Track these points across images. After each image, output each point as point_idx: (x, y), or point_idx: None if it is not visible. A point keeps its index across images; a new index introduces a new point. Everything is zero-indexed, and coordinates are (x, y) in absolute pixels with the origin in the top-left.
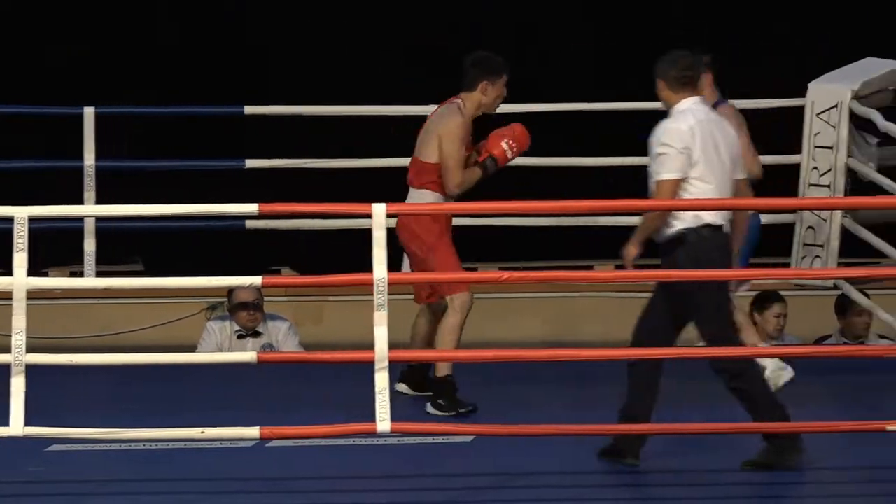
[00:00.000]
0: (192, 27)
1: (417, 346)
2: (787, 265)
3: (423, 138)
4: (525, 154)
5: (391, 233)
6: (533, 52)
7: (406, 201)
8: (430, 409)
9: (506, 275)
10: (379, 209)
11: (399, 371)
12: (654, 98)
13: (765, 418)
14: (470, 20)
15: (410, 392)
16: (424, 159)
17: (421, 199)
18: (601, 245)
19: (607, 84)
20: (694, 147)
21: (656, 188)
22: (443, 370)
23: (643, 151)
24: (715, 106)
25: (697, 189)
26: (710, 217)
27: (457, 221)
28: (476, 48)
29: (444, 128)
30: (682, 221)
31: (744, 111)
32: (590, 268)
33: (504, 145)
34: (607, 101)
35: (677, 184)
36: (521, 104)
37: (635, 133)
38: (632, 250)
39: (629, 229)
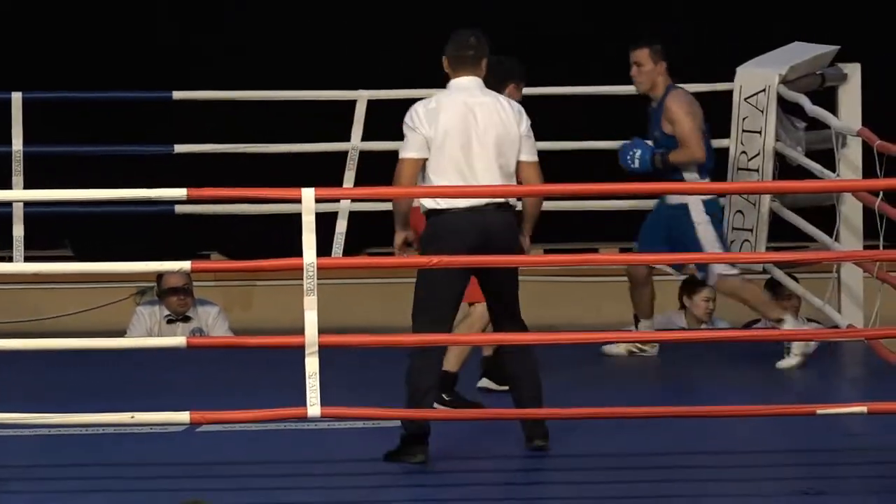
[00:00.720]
0: (119, 11)
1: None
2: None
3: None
4: None
5: (320, 217)
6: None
7: None
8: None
9: (435, 259)
10: (308, 194)
11: (480, 367)
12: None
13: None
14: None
15: (494, 387)
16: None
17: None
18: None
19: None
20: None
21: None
22: (453, 364)
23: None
24: (666, 92)
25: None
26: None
27: (387, 207)
28: (410, 27)
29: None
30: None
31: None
32: None
33: None
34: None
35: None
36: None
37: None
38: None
39: (558, 213)
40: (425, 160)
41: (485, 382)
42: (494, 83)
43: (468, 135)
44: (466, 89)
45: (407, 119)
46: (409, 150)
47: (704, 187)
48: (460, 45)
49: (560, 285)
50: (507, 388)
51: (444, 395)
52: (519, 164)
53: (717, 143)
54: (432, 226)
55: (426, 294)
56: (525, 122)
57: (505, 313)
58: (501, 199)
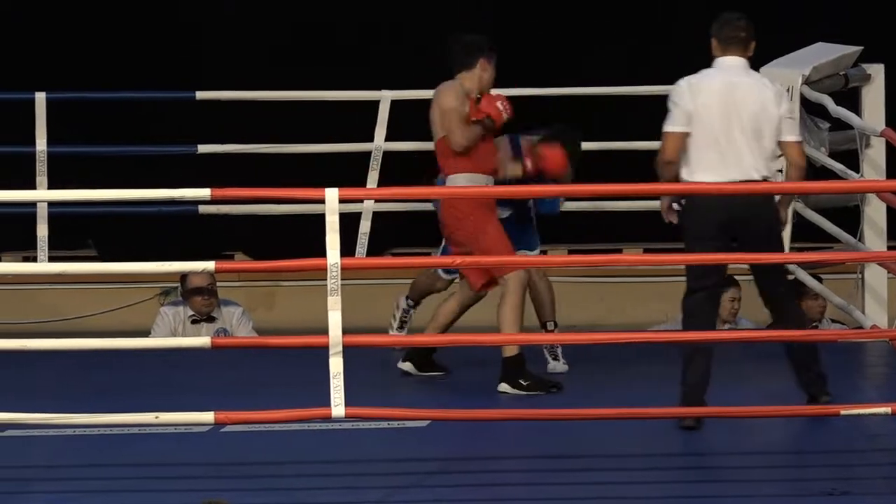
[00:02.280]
0: (144, 11)
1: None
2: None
3: (433, 121)
4: None
5: (344, 218)
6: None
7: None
8: (504, 388)
9: (458, 259)
10: (332, 194)
11: (405, 350)
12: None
13: None
14: (435, 4)
15: (415, 371)
16: (441, 135)
17: (454, 184)
18: (553, 230)
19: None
20: (692, 105)
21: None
22: (511, 349)
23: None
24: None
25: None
26: None
27: (410, 207)
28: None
29: (441, 98)
30: None
31: None
32: (543, 252)
33: (499, 106)
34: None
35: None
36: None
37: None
38: (665, 202)
39: (582, 214)
40: (688, 134)
41: (407, 367)
42: (465, 59)
43: (728, 113)
44: (732, 68)
45: (672, 94)
46: (673, 123)
47: (730, 188)
48: (733, 27)
49: (584, 285)
50: (425, 373)
51: (520, 381)
52: (780, 144)
53: None
54: (690, 199)
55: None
56: (786, 103)
57: (775, 295)
58: (759, 175)
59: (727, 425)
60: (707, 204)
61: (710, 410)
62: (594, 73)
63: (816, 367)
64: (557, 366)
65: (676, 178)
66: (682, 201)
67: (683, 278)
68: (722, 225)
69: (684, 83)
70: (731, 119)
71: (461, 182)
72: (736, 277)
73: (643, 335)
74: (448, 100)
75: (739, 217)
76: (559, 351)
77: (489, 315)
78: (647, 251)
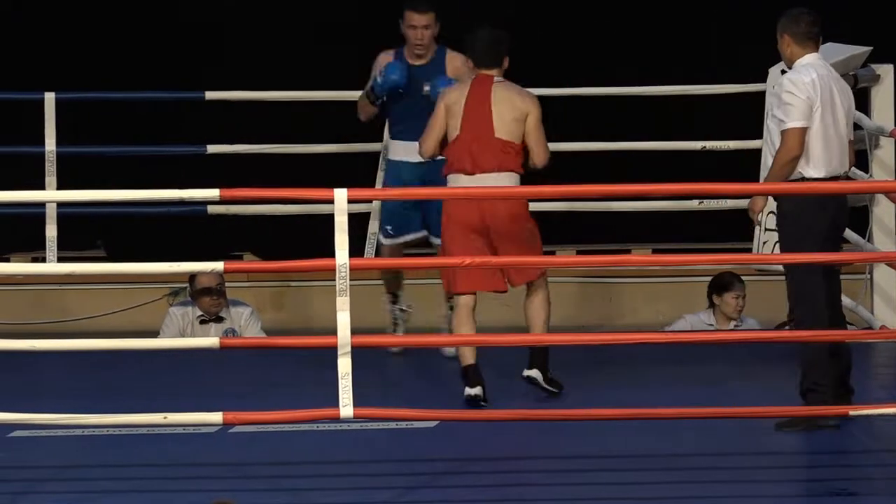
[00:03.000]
0: (152, 10)
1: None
2: (748, 250)
3: (501, 117)
4: None
5: (352, 218)
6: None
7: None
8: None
9: (467, 259)
10: (340, 194)
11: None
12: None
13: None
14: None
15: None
16: (513, 140)
17: (509, 183)
18: (562, 230)
19: (564, 69)
20: (815, 99)
21: (784, 137)
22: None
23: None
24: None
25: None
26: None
27: None
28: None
29: (530, 103)
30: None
31: (706, 96)
32: (551, 253)
33: None
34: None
35: (804, 131)
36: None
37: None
38: (759, 202)
39: (590, 214)
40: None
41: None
42: (502, 55)
43: (833, 108)
44: (822, 65)
45: (790, 88)
46: (797, 118)
47: (737, 189)
48: (810, 23)
49: (593, 286)
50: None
51: (550, 375)
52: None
53: (750, 144)
54: (799, 198)
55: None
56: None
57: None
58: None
59: (732, 425)
60: (821, 202)
61: (714, 411)
62: (602, 72)
63: (848, 377)
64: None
65: (790, 174)
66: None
67: (692, 278)
68: (833, 219)
69: (797, 77)
70: (836, 114)
71: (514, 182)
72: (741, 276)
73: (651, 335)
74: (539, 111)
75: (844, 215)
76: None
77: (499, 316)
78: (655, 251)
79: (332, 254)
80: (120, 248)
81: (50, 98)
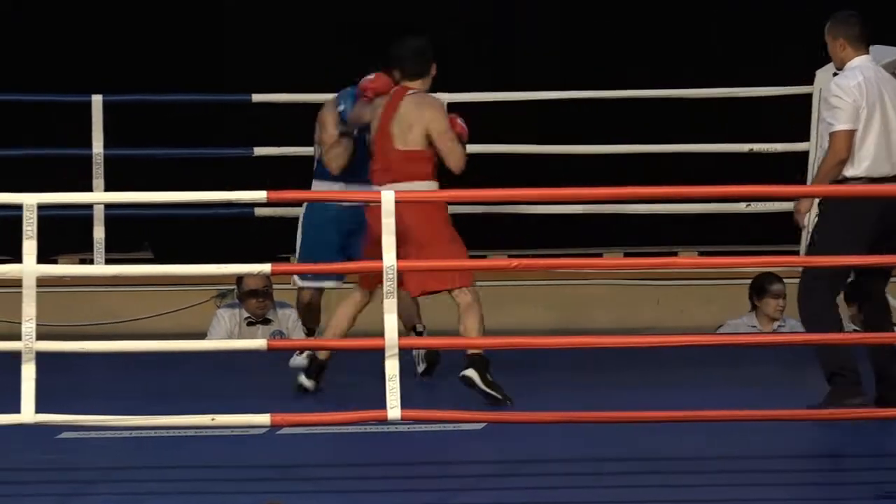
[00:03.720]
0: (199, 14)
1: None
2: (796, 253)
3: (400, 129)
4: (527, 141)
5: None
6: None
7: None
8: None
9: (515, 262)
10: (388, 196)
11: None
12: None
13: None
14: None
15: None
16: (415, 148)
17: (428, 189)
18: (609, 233)
19: (611, 71)
20: (861, 102)
21: (831, 140)
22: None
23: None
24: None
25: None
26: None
27: (466, 209)
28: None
29: (431, 115)
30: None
31: (753, 98)
32: (599, 255)
33: (461, 123)
34: (611, 88)
35: (852, 134)
36: (526, 92)
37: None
38: (806, 205)
39: (638, 217)
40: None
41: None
42: (424, 66)
43: (883, 109)
44: (870, 67)
45: (837, 92)
46: (845, 121)
47: (785, 191)
48: (862, 25)
49: (640, 289)
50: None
51: (488, 376)
52: None
53: (796, 146)
54: (840, 199)
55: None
56: None
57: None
58: None
59: (774, 428)
60: (861, 203)
61: (757, 414)
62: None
63: (893, 371)
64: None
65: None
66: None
67: (738, 281)
68: (878, 220)
69: (843, 81)
70: (886, 115)
71: (426, 188)
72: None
73: (699, 338)
74: (443, 119)
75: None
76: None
77: (521, 319)
78: (702, 254)
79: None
80: (167, 249)
81: (97, 100)
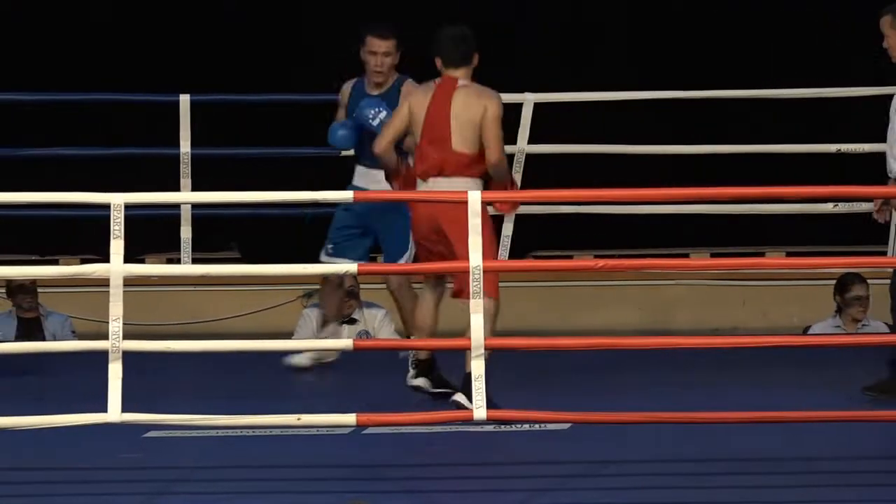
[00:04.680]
0: (284, 14)
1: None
2: (883, 253)
3: (459, 128)
4: (615, 142)
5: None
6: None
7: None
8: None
9: (600, 262)
10: (475, 196)
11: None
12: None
13: None
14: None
15: (431, 388)
16: (475, 151)
17: (473, 187)
18: (696, 233)
19: (698, 72)
20: None
21: None
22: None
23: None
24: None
25: None
26: None
27: (552, 209)
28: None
29: (488, 105)
30: None
31: (841, 98)
32: (685, 255)
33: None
34: (698, 88)
35: None
36: (614, 92)
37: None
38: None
39: (724, 217)
40: None
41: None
42: (469, 54)
43: None
44: None
45: None
46: None
47: (874, 191)
48: None
49: (726, 289)
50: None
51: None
52: None
53: (885, 146)
54: None
55: None
56: None
57: None
58: None
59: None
60: None
61: (846, 415)
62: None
63: None
64: (298, 358)
65: None
66: None
67: (825, 282)
68: None
69: None
70: None
71: (473, 186)
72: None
73: (784, 339)
74: (499, 109)
75: None
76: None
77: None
78: (789, 255)
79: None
80: (254, 249)
81: (185, 100)
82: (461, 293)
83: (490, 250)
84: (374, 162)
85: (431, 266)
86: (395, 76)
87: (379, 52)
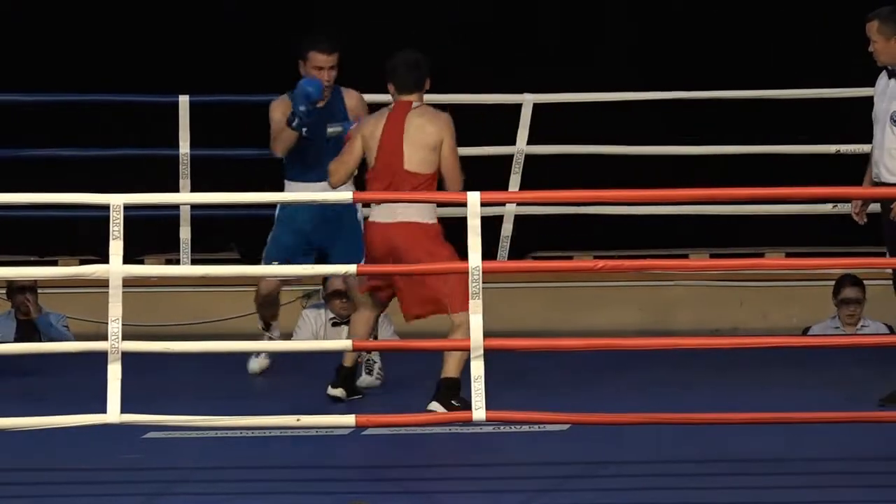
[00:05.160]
0: (284, 13)
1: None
2: (882, 254)
3: (412, 149)
4: (614, 142)
5: (485, 221)
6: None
7: (400, 219)
8: (435, 406)
9: (600, 263)
10: (474, 197)
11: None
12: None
13: None
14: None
15: (345, 397)
16: (424, 171)
17: (427, 211)
18: (695, 233)
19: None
20: None
21: None
22: (454, 371)
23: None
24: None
25: None
26: None
27: (552, 210)
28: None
29: (440, 128)
30: None
31: (840, 99)
32: (684, 256)
33: None
34: (698, 89)
35: None
36: (613, 93)
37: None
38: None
39: (724, 218)
40: None
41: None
42: (422, 80)
43: None
44: None
45: None
46: None
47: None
48: None
49: (724, 290)
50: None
51: (452, 402)
52: None
53: None
54: None
55: None
56: None
57: None
58: None
59: (860, 429)
60: None
61: (845, 416)
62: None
63: None
64: (368, 379)
65: None
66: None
67: (821, 283)
68: None
69: None
70: None
71: (427, 211)
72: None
73: (781, 339)
74: (453, 136)
75: None
76: (376, 366)
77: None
78: (789, 255)
79: (465, 256)
80: (254, 250)
81: (184, 101)
82: (415, 311)
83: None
84: (311, 177)
85: (432, 268)
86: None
87: (326, 66)
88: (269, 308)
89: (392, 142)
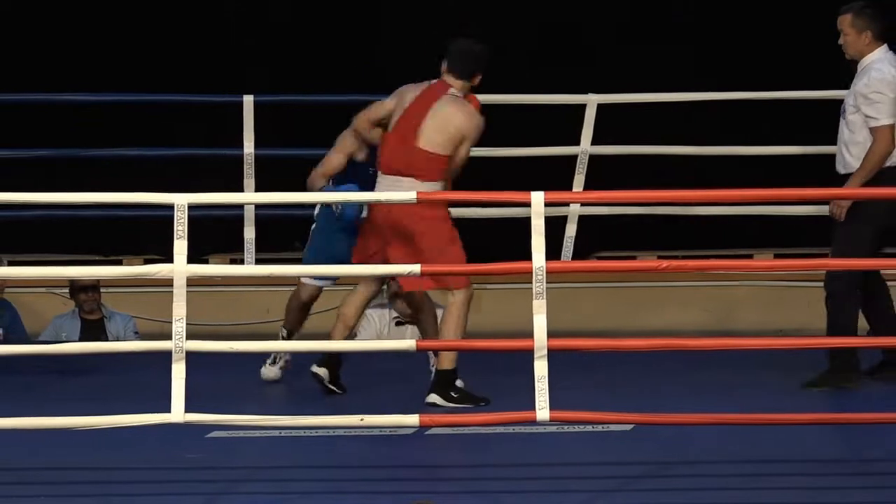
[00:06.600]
0: (350, 13)
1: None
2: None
3: (431, 129)
4: (675, 142)
5: (549, 221)
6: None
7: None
8: (435, 399)
9: (664, 263)
10: (538, 197)
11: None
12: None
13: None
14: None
15: (327, 378)
16: (440, 152)
17: (434, 188)
18: (760, 234)
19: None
20: None
21: (877, 134)
22: (448, 363)
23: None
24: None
25: None
26: None
27: (615, 210)
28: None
29: (467, 127)
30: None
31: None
32: (749, 256)
33: None
34: (764, 89)
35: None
36: (676, 93)
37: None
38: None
39: (788, 218)
40: None
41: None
42: (474, 68)
43: None
44: (893, 59)
45: (877, 87)
46: (888, 115)
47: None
48: (883, 18)
49: (790, 290)
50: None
51: (451, 393)
52: None
53: None
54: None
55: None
56: None
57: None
58: None
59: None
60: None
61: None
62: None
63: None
64: (269, 371)
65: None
66: None
67: (890, 283)
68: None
69: (887, 74)
70: None
71: (439, 188)
72: None
73: (848, 340)
74: (473, 133)
75: None
76: (281, 360)
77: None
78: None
79: (528, 257)
80: None
81: (248, 101)
82: (414, 285)
83: (456, 248)
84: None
85: (496, 267)
86: None
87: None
88: (299, 314)
89: (415, 115)
